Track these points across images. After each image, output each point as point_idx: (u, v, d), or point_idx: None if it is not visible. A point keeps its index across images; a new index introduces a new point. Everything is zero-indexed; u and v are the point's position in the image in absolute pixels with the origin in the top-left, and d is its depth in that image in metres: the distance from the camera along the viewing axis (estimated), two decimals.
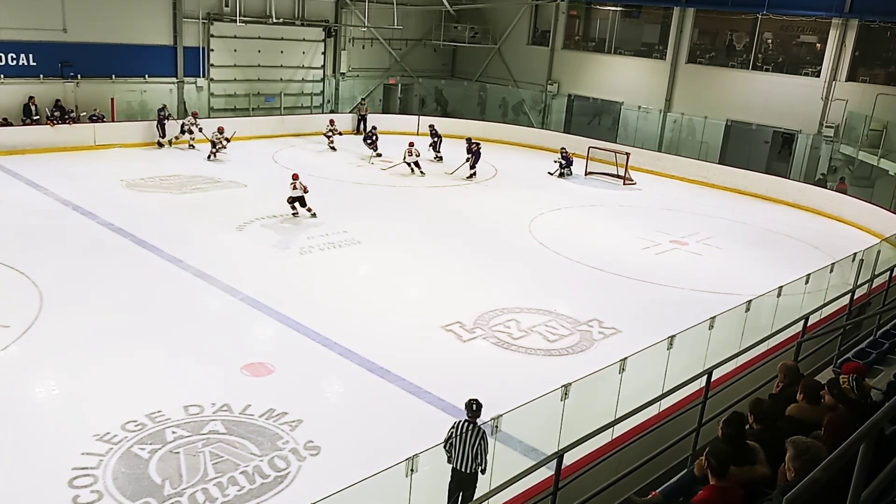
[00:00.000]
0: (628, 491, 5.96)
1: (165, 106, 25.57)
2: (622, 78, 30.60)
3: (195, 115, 25.16)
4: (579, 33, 33.35)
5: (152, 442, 8.70)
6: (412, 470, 6.67)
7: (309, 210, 18.18)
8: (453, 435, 7.48)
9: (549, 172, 25.46)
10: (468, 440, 7.38)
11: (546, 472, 6.16)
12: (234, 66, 28.59)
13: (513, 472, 5.70)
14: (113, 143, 24.11)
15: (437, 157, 26.49)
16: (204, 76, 27.83)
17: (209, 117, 27.68)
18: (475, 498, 7.44)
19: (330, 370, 11.04)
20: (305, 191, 18.13)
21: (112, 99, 25.19)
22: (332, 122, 27.53)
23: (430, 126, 27.89)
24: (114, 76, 25.45)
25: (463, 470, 7.45)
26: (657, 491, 5.70)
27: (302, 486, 8.12)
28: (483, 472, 7.50)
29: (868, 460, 3.35)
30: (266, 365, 10.78)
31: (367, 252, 16.29)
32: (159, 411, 9.27)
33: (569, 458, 6.17)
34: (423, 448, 6.97)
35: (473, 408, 7.49)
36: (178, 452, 8.56)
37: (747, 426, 5.92)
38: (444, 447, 7.53)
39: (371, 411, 9.98)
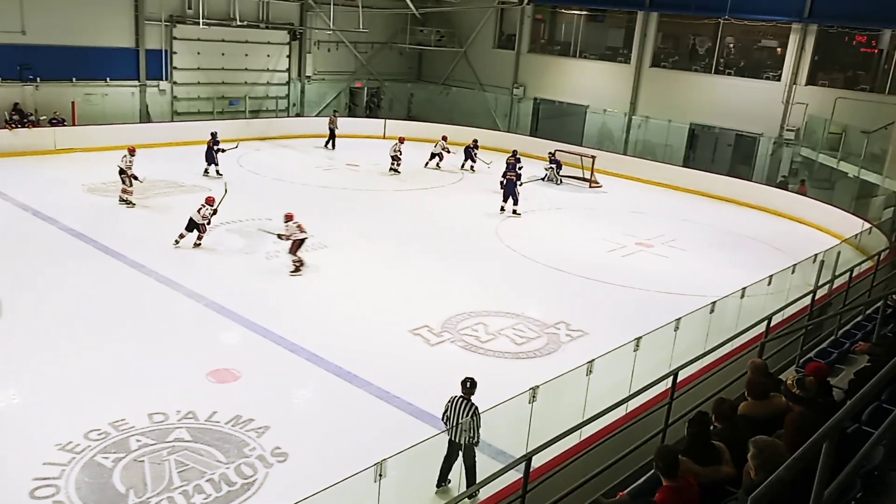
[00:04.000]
0: (596, 492, 6.00)
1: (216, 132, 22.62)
2: (587, 81, 30.86)
3: (132, 152, 18.89)
4: (545, 37, 33.56)
5: (116, 451, 8.55)
6: (380, 475, 6.64)
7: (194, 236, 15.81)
8: (449, 409, 8.19)
9: (541, 178, 25.25)
10: (462, 415, 8.02)
11: (515, 476, 6.17)
12: (198, 69, 28.29)
13: (481, 475, 5.71)
14: (74, 148, 23.67)
15: (471, 167, 26.49)
16: (167, 79, 27.49)
17: (171, 121, 27.38)
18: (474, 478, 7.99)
19: (297, 376, 10.95)
20: (207, 219, 15.84)
21: (73, 102, 24.78)
22: (401, 139, 25.29)
23: (474, 140, 27.03)
24: (74, 79, 25.02)
25: (458, 441, 8.10)
26: (624, 492, 5.74)
27: (269, 493, 8.06)
28: (476, 444, 8.09)
29: (831, 459, 3.40)
30: (232, 371, 10.66)
31: (334, 256, 16.20)
32: (123, 419, 9.11)
33: (537, 461, 6.20)
34: (392, 453, 6.93)
35: (467, 385, 8.12)
36: (142, 461, 8.42)
37: (711, 426, 5.99)
38: (443, 419, 8.31)
39: (339, 417, 9.93)
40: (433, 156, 26.37)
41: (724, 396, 6.49)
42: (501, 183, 20.98)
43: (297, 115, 31.41)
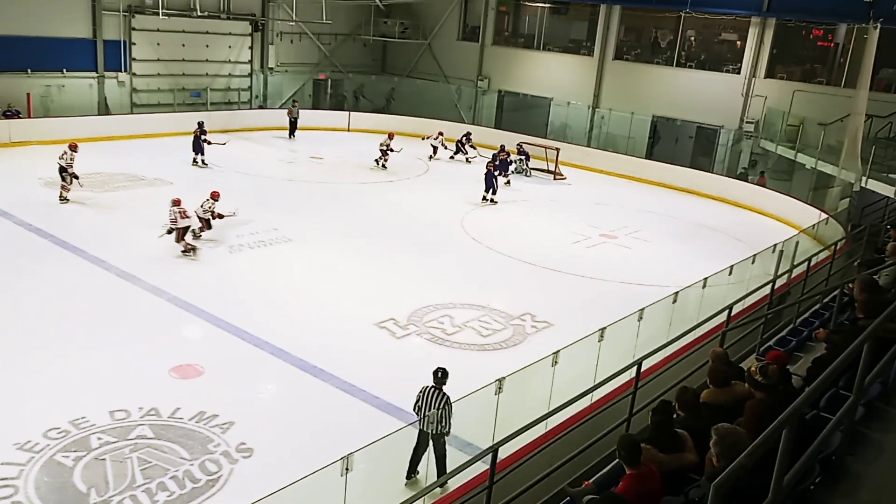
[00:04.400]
0: (562, 482, 6.05)
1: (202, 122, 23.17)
2: (551, 74, 31.01)
3: (74, 148, 18.06)
4: (509, 29, 33.62)
5: (76, 449, 8.40)
6: (347, 469, 6.62)
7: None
8: (421, 399, 8.25)
9: (512, 171, 25.32)
10: (434, 404, 8.11)
11: (482, 467, 6.19)
12: (158, 60, 27.82)
13: (449, 467, 5.72)
14: (30, 141, 23.13)
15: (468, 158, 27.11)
16: (126, 70, 26.98)
17: (131, 113, 26.86)
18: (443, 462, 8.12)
19: (262, 370, 10.86)
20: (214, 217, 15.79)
21: (28, 94, 24.20)
22: (391, 135, 25.23)
23: (467, 133, 27.90)
24: (30, 70, 24.42)
25: (428, 431, 8.15)
26: (590, 481, 5.79)
27: (234, 489, 7.98)
28: (447, 433, 8.12)
29: (791, 445, 3.47)
30: (195, 367, 10.53)
31: (299, 250, 16.09)
32: (83, 417, 8.96)
33: (504, 452, 6.22)
34: (358, 447, 6.91)
35: (439, 375, 8.23)
36: (104, 459, 8.29)
37: (675, 415, 6.08)
38: (414, 410, 8.34)
39: (304, 411, 9.87)
40: (435, 149, 26.92)
41: (687, 385, 6.59)
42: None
43: (260, 108, 31.07)
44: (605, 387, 7.60)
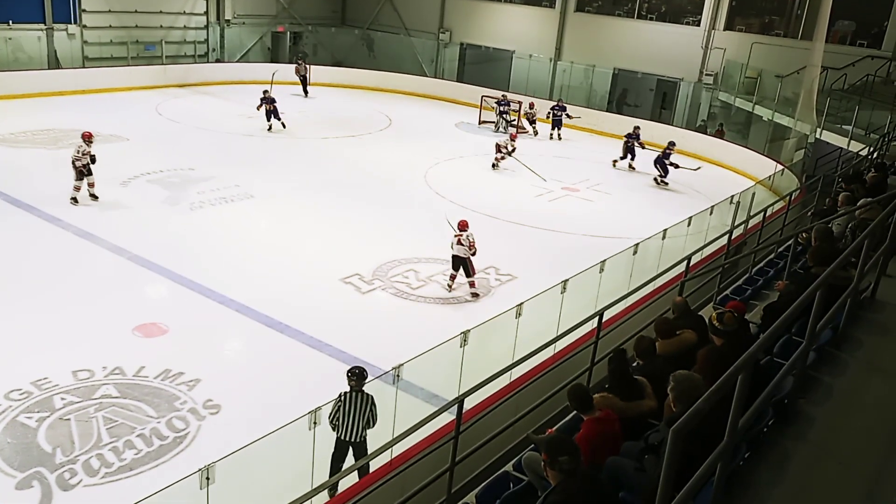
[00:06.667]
0: (527, 430, 6.18)
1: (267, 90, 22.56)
2: (513, 26, 30.76)
3: (87, 138, 15.01)
4: None
5: (40, 410, 8.35)
6: (315, 423, 6.69)
7: None
8: (340, 408, 7.16)
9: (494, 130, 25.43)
10: (357, 409, 7.16)
11: (448, 417, 6.30)
12: (109, 11, 26.88)
13: (415, 419, 5.81)
14: None
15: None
16: (76, 22, 26.06)
17: (83, 67, 26.05)
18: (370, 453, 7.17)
19: (227, 327, 10.84)
20: None
21: None
22: (512, 136, 21.18)
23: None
24: None
25: (351, 440, 7.22)
26: (553, 429, 5.94)
27: (203, 446, 8.02)
28: (373, 426, 7.32)
29: (746, 390, 3.60)
30: (159, 325, 10.47)
31: (261, 206, 15.93)
32: (46, 378, 8.88)
33: (469, 403, 6.34)
34: (326, 401, 6.98)
35: (355, 376, 7.23)
36: (68, 419, 8.26)
37: (635, 363, 6.24)
38: (330, 421, 7.15)
39: (271, 367, 9.89)
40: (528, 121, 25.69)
41: (645, 334, 6.74)
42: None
43: (217, 61, 30.36)
44: (568, 337, 7.74)
